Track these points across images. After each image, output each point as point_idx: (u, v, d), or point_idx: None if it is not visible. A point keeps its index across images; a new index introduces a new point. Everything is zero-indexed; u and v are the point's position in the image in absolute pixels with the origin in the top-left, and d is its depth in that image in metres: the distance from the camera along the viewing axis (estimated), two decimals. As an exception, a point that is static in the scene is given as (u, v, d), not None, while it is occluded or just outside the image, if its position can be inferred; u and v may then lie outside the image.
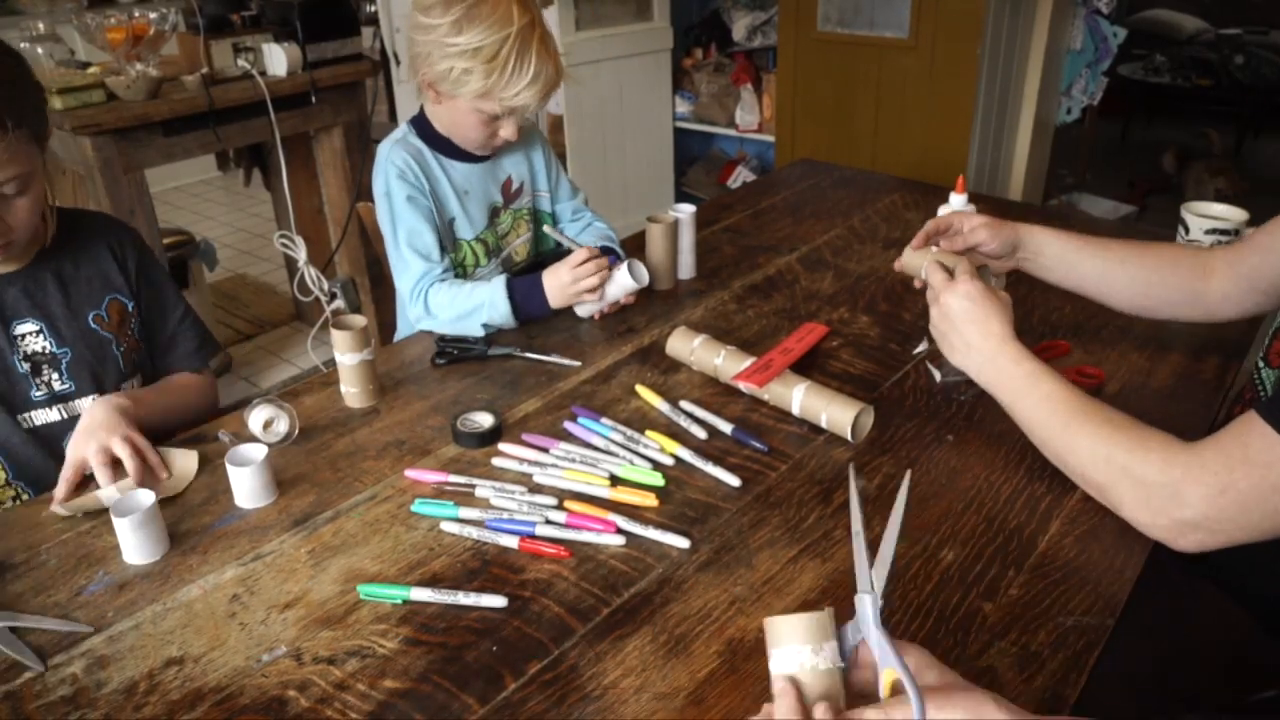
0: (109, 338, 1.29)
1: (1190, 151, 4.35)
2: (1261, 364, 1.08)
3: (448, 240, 1.52)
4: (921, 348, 1.36)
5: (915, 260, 1.24)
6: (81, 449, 1.10)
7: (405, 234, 1.46)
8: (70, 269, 1.28)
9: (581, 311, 1.49)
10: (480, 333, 1.43)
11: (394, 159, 1.46)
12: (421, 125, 1.51)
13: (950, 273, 1.12)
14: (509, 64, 1.34)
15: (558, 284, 1.43)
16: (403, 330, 1.62)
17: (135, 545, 0.97)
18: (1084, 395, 0.98)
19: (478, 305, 1.42)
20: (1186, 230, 1.54)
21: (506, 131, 1.45)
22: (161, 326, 1.38)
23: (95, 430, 1.11)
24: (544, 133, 3.68)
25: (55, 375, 1.25)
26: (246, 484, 1.06)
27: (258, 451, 1.07)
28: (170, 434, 1.31)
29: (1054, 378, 1.00)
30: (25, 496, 1.24)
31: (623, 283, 1.45)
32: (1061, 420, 0.98)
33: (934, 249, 1.23)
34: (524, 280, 1.45)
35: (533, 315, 1.46)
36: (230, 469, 1.06)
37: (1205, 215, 1.53)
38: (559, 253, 1.59)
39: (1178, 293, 1.21)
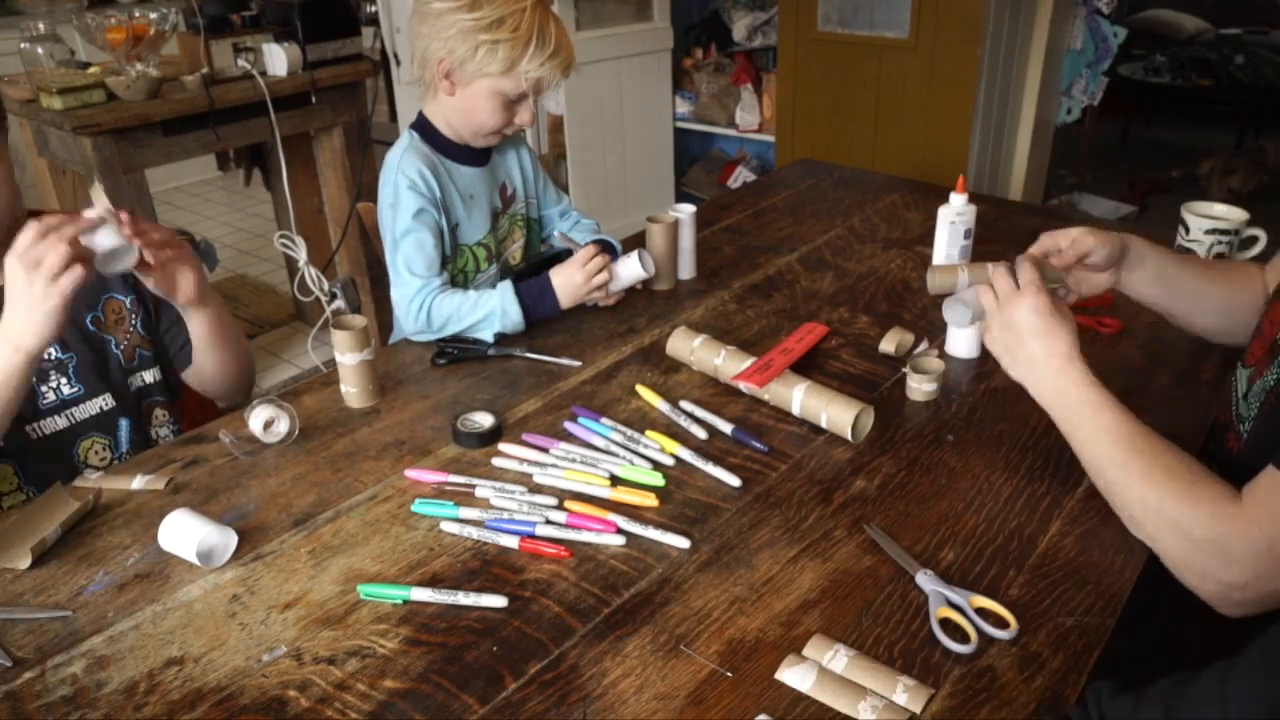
0: (106, 338, 1.29)
1: (1233, 166, 4.22)
2: (1240, 366, 1.08)
3: (450, 247, 1.50)
4: (922, 347, 1.36)
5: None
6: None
7: (409, 247, 1.43)
8: None
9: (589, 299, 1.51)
10: (490, 339, 1.43)
11: (405, 169, 1.43)
12: (424, 129, 1.49)
13: (1016, 283, 1.05)
14: (532, 34, 1.35)
15: (570, 284, 1.44)
16: (397, 335, 1.61)
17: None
18: (1145, 432, 0.93)
19: (488, 314, 1.41)
20: (1187, 230, 1.54)
21: (523, 116, 1.45)
22: (169, 309, 1.32)
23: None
24: (540, 135, 3.69)
25: (64, 380, 1.25)
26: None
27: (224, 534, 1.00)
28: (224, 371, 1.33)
29: (1116, 409, 0.95)
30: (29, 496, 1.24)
31: (634, 271, 1.48)
32: (1119, 458, 0.93)
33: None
34: (532, 285, 1.45)
35: (543, 318, 1.46)
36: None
37: (1205, 215, 1.53)
38: (557, 255, 1.59)
39: (1257, 313, 1.16)
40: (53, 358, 1.24)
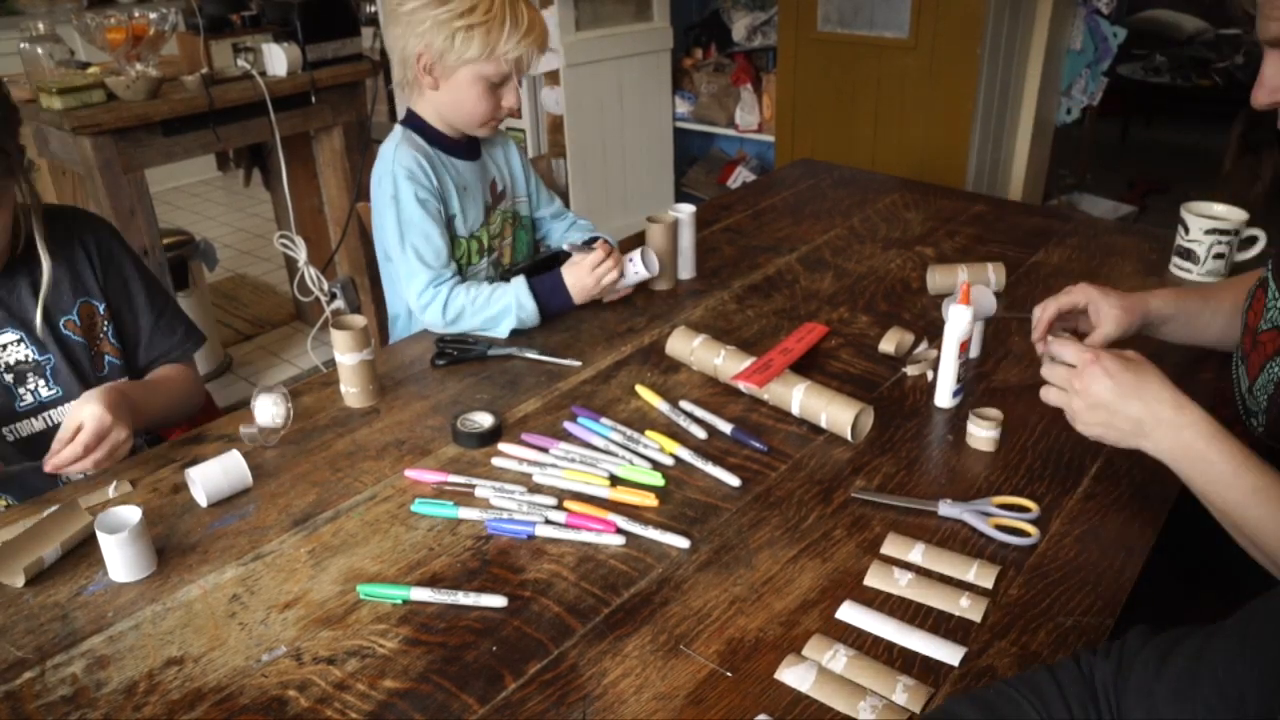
0: (81, 342, 1.27)
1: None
2: (1238, 363, 1.08)
3: (447, 239, 1.51)
4: (921, 346, 1.36)
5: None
6: (77, 418, 1.09)
7: (416, 239, 1.43)
8: (44, 273, 1.23)
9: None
10: (504, 335, 1.43)
11: (401, 160, 1.44)
12: (415, 125, 1.50)
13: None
14: (504, 14, 1.38)
15: (580, 284, 1.46)
16: (397, 335, 1.61)
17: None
18: None
19: (504, 309, 1.42)
20: (1186, 230, 1.54)
21: (509, 100, 1.46)
22: (137, 322, 1.34)
23: (91, 409, 1.10)
24: (540, 134, 3.69)
25: (41, 382, 1.23)
26: (118, 554, 0.95)
27: (131, 514, 0.97)
28: (159, 432, 1.31)
29: (1260, 467, 0.84)
30: (8, 504, 1.22)
31: (639, 272, 1.50)
32: (1272, 526, 0.82)
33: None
34: (545, 280, 1.46)
35: (557, 312, 1.48)
36: (100, 537, 0.95)
37: (1205, 215, 1.53)
38: (555, 255, 1.59)
39: None
40: (30, 360, 1.22)
